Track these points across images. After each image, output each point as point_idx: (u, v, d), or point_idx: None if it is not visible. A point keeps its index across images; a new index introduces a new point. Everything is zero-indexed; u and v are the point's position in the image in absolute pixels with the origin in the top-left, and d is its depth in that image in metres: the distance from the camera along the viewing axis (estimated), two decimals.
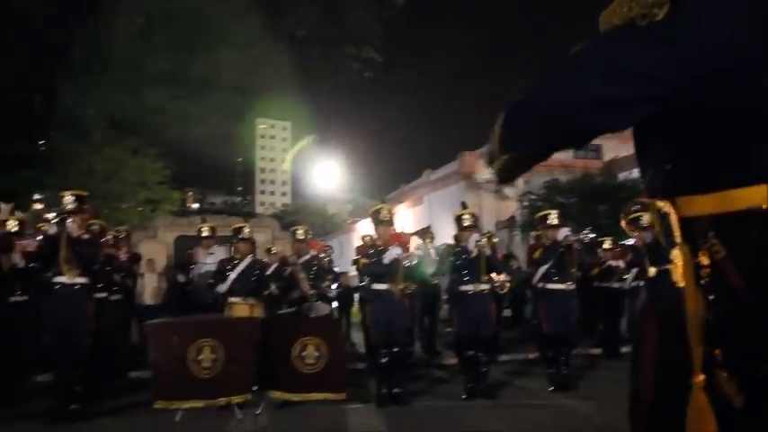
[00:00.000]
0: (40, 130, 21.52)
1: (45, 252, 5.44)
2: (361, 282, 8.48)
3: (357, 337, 9.42)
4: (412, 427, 5.23)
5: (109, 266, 6.92)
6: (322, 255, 8.57)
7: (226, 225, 9.34)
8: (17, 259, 6.12)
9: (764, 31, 1.02)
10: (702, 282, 1.12)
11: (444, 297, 8.94)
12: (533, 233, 9.84)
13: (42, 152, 22.31)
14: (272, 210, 55.52)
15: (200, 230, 8.30)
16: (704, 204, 1.10)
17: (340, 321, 8.09)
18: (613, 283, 8.91)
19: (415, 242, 8.82)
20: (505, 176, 1.32)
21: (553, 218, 6.73)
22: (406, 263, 6.13)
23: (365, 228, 21.38)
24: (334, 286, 9.14)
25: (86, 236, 5.61)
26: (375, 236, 6.38)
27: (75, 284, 5.36)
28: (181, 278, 8.76)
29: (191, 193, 39.77)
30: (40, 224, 7.94)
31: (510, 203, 17.48)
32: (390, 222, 6.25)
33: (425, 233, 9.38)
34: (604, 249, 9.35)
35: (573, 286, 6.60)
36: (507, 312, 11.72)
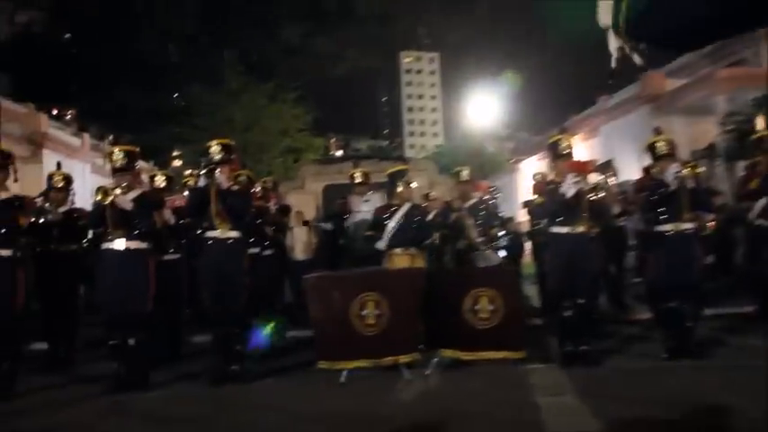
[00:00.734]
0: (177, 82, 22.24)
1: (195, 206, 5.30)
2: (534, 225, 7.79)
3: (530, 290, 8.68)
4: (604, 390, 4.49)
5: (260, 219, 6.79)
6: (487, 198, 7.90)
7: (378, 170, 8.78)
8: (168, 215, 6.09)
9: None
10: None
11: (632, 242, 7.97)
12: (744, 162, 8.42)
13: (183, 106, 23.19)
14: (423, 152, 54.48)
15: (352, 177, 7.85)
16: None
17: (516, 271, 7.40)
18: None
19: (593, 179, 7.91)
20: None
21: None
22: (592, 196, 5.33)
23: (531, 167, 20.15)
24: (501, 233, 8.45)
25: (236, 187, 5.42)
26: (551, 172, 5.79)
27: (229, 238, 5.18)
28: (327, 227, 8.47)
29: (334, 140, 39.92)
30: (185, 178, 8.01)
31: (708, 128, 15.21)
32: (570, 155, 5.61)
33: (607, 168, 8.41)
34: None
35: None
36: (710, 258, 10.20)
